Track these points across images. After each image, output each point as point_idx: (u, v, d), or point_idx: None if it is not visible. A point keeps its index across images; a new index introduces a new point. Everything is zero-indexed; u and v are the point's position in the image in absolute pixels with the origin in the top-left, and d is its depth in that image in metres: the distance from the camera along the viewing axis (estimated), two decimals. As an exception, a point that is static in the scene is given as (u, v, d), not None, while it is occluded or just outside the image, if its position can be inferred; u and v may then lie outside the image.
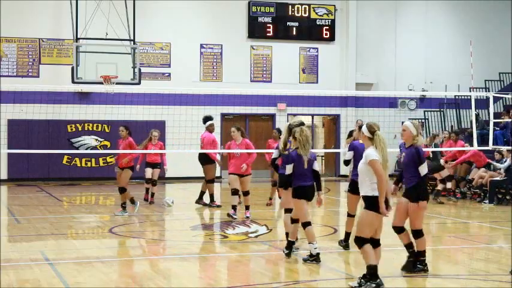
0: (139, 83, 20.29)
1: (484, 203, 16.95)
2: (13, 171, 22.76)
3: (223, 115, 24.40)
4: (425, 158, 8.82)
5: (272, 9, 25.23)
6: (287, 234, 10.02)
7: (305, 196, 9.43)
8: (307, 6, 25.51)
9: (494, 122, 18.36)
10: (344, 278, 8.72)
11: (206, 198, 16.30)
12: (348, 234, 10.29)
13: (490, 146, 17.09)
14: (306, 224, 9.46)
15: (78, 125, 23.22)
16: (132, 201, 14.57)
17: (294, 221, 9.67)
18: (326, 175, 26.28)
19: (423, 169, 8.55)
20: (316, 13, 25.67)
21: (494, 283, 8.29)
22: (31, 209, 15.72)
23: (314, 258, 9.34)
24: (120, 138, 14.87)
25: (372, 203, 7.71)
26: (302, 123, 9.98)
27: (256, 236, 11.79)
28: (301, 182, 9.39)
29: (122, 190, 14.47)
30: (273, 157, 10.74)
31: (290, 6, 25.35)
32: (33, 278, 8.47)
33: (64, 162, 23.25)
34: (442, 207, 16.44)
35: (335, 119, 26.25)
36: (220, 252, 10.78)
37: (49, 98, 20.72)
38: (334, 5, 25.83)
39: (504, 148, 17.89)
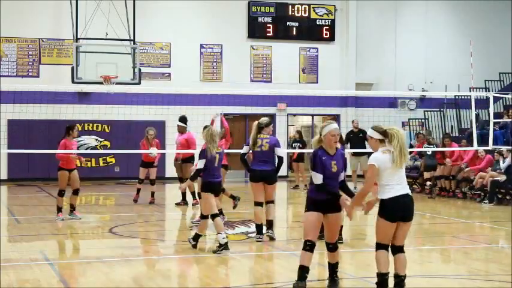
0: (139, 83, 20.31)
1: (484, 203, 16.95)
2: (13, 171, 22.75)
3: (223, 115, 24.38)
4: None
5: (272, 9, 25.22)
6: (259, 225, 11.09)
7: (212, 191, 10.31)
8: (307, 6, 25.50)
9: (494, 122, 18.37)
10: (344, 278, 8.72)
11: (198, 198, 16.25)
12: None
13: (490, 146, 17.09)
14: (215, 216, 10.30)
15: (78, 125, 23.09)
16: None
17: (204, 217, 10.43)
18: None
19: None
20: (316, 13, 25.67)
21: (494, 283, 8.29)
22: (31, 209, 15.72)
23: (223, 247, 10.05)
24: (64, 138, 13.48)
25: (379, 207, 7.32)
26: (270, 123, 11.27)
27: (256, 236, 11.77)
28: (209, 178, 10.29)
29: (77, 192, 13.76)
30: (242, 152, 11.29)
31: (290, 6, 25.34)
32: (33, 278, 8.46)
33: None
34: (443, 207, 16.44)
35: (335, 119, 26.23)
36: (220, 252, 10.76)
37: (49, 98, 20.73)
38: (334, 5, 25.82)
39: (504, 148, 17.89)
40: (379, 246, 7.33)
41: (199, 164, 10.24)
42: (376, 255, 7.33)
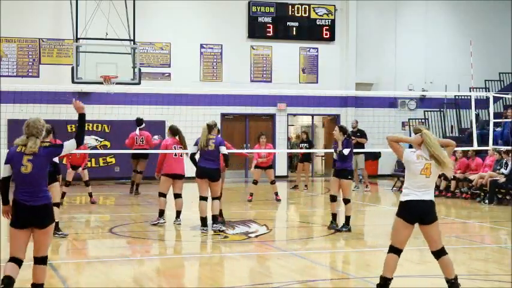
0: (139, 83, 20.30)
1: (484, 203, 16.95)
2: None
3: (223, 115, 24.40)
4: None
5: (272, 9, 25.22)
6: (203, 218, 12.11)
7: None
8: (307, 6, 25.51)
9: (494, 122, 18.37)
10: (344, 278, 8.72)
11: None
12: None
13: (490, 146, 17.08)
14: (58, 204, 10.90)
15: (78, 125, 23.20)
16: None
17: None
18: (326, 175, 26.27)
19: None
20: (316, 13, 25.67)
21: (494, 283, 8.29)
22: (31, 209, 15.68)
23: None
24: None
25: (398, 207, 7.26)
26: (216, 124, 12.32)
27: (256, 236, 11.79)
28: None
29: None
30: (191, 152, 12.20)
31: (290, 6, 25.34)
32: (33, 278, 8.45)
33: (64, 162, 23.21)
34: (442, 207, 16.44)
35: (335, 119, 26.24)
36: (220, 252, 10.78)
37: (49, 98, 20.70)
38: (334, 5, 25.83)
39: (504, 148, 17.89)
40: (390, 248, 7.25)
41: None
42: (385, 257, 7.27)
